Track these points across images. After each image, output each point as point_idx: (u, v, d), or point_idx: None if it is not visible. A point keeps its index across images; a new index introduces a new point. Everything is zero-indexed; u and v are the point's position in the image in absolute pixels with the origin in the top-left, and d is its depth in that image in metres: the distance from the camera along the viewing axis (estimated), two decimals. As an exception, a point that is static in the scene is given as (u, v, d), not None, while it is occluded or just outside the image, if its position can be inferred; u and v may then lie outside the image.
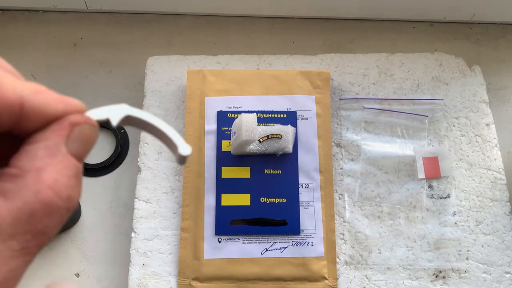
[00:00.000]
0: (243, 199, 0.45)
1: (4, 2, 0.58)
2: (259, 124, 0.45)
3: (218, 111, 0.49)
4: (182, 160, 0.20)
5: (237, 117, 0.46)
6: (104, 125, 0.19)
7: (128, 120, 0.20)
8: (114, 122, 0.19)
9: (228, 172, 0.46)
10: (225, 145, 0.47)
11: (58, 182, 0.15)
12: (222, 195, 0.45)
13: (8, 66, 0.17)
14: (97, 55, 0.57)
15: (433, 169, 0.48)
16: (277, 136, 0.45)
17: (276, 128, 0.45)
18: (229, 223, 0.45)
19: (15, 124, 0.15)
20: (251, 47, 0.57)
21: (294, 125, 0.47)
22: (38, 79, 0.55)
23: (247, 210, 0.45)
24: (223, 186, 0.46)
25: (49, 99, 0.16)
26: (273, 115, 0.48)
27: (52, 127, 0.15)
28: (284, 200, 0.45)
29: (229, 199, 0.45)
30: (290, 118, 0.48)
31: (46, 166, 0.15)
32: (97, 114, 0.19)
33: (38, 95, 0.15)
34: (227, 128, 0.48)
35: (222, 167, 0.46)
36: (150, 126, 0.20)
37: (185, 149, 0.19)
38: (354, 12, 0.59)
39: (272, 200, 0.45)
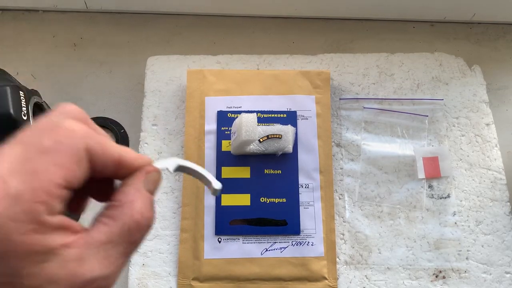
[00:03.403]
0: (243, 199, 0.45)
1: (4, 2, 0.58)
2: (259, 124, 0.45)
3: (218, 111, 0.49)
4: (214, 192, 0.29)
5: (237, 117, 0.46)
6: (165, 171, 0.28)
7: (179, 167, 0.29)
8: (171, 169, 0.28)
9: (228, 172, 0.46)
10: (225, 145, 0.47)
11: (143, 209, 0.23)
12: (222, 195, 0.45)
13: (94, 125, 0.24)
14: (97, 55, 0.57)
15: (433, 169, 0.48)
16: (277, 136, 0.45)
17: (276, 128, 0.45)
18: (229, 223, 0.45)
19: (113, 173, 0.24)
20: (251, 47, 0.57)
21: (294, 125, 0.47)
22: (38, 79, 0.56)
23: (247, 210, 0.45)
24: (223, 186, 0.46)
25: (133, 157, 0.25)
26: (273, 115, 0.48)
27: (135, 175, 0.25)
28: (284, 200, 0.45)
29: (229, 199, 0.45)
30: (290, 118, 0.48)
31: (135, 200, 0.23)
32: (160, 164, 0.27)
33: (128, 153, 0.24)
34: (227, 128, 0.48)
35: (222, 167, 0.46)
36: (192, 170, 0.29)
37: (217, 184, 0.29)
38: (354, 12, 0.59)
39: (272, 200, 0.45)
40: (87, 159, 0.22)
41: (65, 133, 0.22)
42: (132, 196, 0.24)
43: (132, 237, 0.23)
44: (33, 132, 0.23)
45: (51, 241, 0.20)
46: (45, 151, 0.21)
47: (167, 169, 0.28)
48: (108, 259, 0.22)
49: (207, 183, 0.29)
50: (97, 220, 0.23)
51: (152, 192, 0.25)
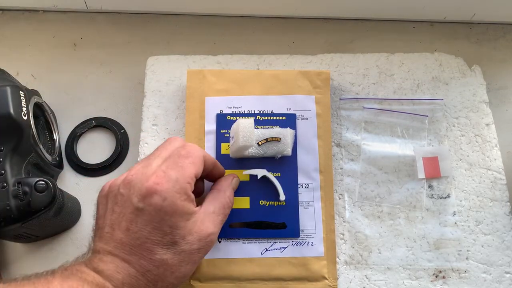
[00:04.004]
0: (242, 202, 0.45)
1: (4, 2, 0.59)
2: (258, 126, 0.45)
3: (217, 114, 0.48)
4: (280, 202, 0.45)
5: (235, 120, 0.46)
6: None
7: (264, 176, 0.45)
8: (259, 176, 0.44)
9: (228, 172, 0.46)
10: (224, 148, 0.47)
11: (230, 197, 0.40)
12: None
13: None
14: (97, 55, 0.57)
15: (433, 169, 0.48)
16: (276, 139, 0.45)
17: (275, 131, 0.45)
18: (229, 226, 0.45)
19: (210, 172, 0.40)
20: (251, 47, 0.57)
21: (293, 127, 0.47)
22: (38, 79, 0.56)
23: (247, 213, 0.45)
24: None
25: (220, 165, 0.42)
26: (272, 118, 0.48)
27: (228, 175, 0.42)
28: (283, 203, 0.45)
29: (229, 199, 0.45)
30: (289, 120, 0.48)
31: (227, 190, 0.40)
32: (252, 171, 0.45)
33: (217, 162, 0.41)
34: (226, 130, 0.48)
35: (222, 167, 0.46)
36: (271, 180, 0.45)
37: (282, 196, 0.44)
38: (354, 12, 0.59)
39: (271, 203, 0.45)
40: (203, 162, 0.37)
41: (191, 147, 0.37)
42: (225, 187, 0.40)
43: (225, 211, 0.39)
44: (171, 147, 0.37)
45: (192, 207, 0.35)
46: (184, 156, 0.36)
47: (256, 175, 0.44)
48: (214, 223, 0.37)
49: (277, 193, 0.45)
50: (207, 198, 0.39)
51: (234, 189, 0.42)
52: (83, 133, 0.53)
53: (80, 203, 0.49)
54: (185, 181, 0.35)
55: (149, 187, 0.33)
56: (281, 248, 0.45)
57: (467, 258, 0.45)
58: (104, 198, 0.36)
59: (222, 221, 0.38)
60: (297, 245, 0.45)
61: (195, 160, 0.36)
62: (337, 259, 0.45)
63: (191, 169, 0.36)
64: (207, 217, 0.36)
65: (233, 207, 0.43)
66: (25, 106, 0.43)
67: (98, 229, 0.35)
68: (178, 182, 0.34)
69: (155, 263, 0.33)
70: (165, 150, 0.37)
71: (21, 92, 0.44)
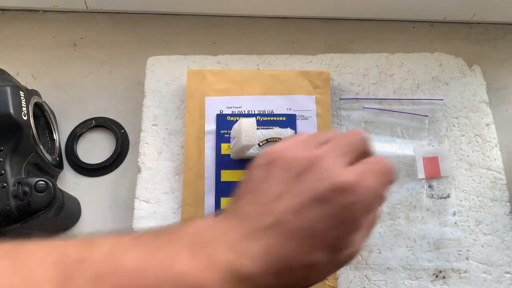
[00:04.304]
0: None
1: (4, 2, 0.58)
2: (258, 127, 0.45)
3: (217, 114, 0.48)
4: None
5: (235, 120, 0.46)
6: None
7: None
8: None
9: (228, 175, 0.46)
10: (224, 148, 0.47)
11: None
12: (221, 198, 0.45)
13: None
14: (97, 55, 0.57)
15: (433, 169, 0.48)
16: (276, 140, 0.45)
17: (275, 132, 0.45)
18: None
19: None
20: (251, 47, 0.57)
21: (293, 127, 0.47)
22: (38, 79, 0.56)
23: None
24: (223, 189, 0.46)
25: None
26: (272, 118, 0.48)
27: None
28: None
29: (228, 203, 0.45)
30: (289, 120, 0.48)
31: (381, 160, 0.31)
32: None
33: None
34: (226, 131, 0.48)
35: (222, 170, 0.46)
36: None
37: None
38: (354, 12, 0.59)
39: None
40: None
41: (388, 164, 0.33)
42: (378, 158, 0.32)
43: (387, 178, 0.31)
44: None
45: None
46: (383, 170, 0.31)
47: None
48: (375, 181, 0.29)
49: None
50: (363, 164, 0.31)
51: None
52: (83, 133, 0.53)
53: (80, 203, 0.49)
54: (378, 195, 0.29)
55: (346, 181, 0.27)
56: (281, 248, 0.45)
57: (467, 258, 0.45)
58: (276, 166, 0.30)
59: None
60: (297, 245, 0.45)
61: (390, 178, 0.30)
62: (337, 259, 0.45)
63: (385, 185, 0.30)
64: (369, 175, 0.30)
65: None
66: (25, 106, 0.43)
67: (250, 192, 0.29)
68: (375, 192, 0.28)
69: (309, 262, 0.26)
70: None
71: (21, 92, 0.44)
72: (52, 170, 0.48)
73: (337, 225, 0.27)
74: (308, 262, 0.26)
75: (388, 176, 0.30)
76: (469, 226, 0.46)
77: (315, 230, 0.26)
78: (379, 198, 0.29)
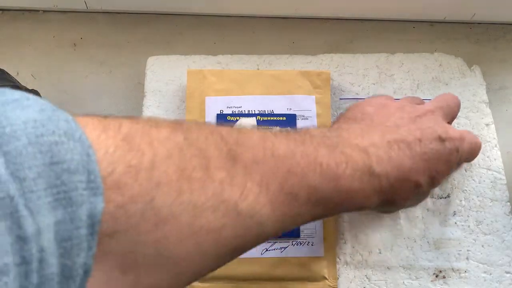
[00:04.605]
0: None
1: (4, 2, 0.58)
2: (258, 127, 0.45)
3: (217, 114, 0.48)
4: None
5: (236, 120, 0.46)
6: None
7: None
8: None
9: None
10: (225, 145, 0.47)
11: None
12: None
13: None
14: (97, 55, 0.57)
15: (433, 169, 0.48)
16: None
17: (276, 129, 0.45)
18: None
19: None
20: (251, 47, 0.57)
21: (294, 127, 0.47)
22: (38, 79, 0.56)
23: (247, 210, 0.45)
24: None
25: None
26: (272, 118, 0.48)
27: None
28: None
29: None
30: (289, 120, 0.48)
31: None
32: None
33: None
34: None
35: (222, 167, 0.46)
36: None
37: None
38: (354, 12, 0.59)
39: None
40: None
41: None
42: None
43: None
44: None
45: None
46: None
47: None
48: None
49: None
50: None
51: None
52: (83, 133, 0.53)
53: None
54: (467, 156, 0.37)
55: (457, 135, 0.35)
56: (281, 248, 0.45)
57: (467, 258, 0.45)
58: (390, 107, 0.37)
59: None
60: (297, 245, 0.45)
61: None
62: (337, 259, 0.45)
63: (473, 153, 0.38)
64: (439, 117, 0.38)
65: None
66: (25, 106, 0.43)
67: (368, 116, 0.35)
68: (468, 153, 0.37)
69: (417, 180, 0.32)
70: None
71: (21, 92, 0.44)
72: (52, 170, 0.48)
73: (442, 162, 0.33)
74: (416, 180, 0.32)
75: (478, 148, 0.37)
76: (469, 226, 0.46)
77: (429, 159, 0.32)
78: (466, 159, 0.37)
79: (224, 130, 0.27)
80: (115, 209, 0.20)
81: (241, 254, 0.27)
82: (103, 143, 0.21)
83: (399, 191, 0.32)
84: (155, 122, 0.24)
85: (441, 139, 0.33)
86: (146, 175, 0.21)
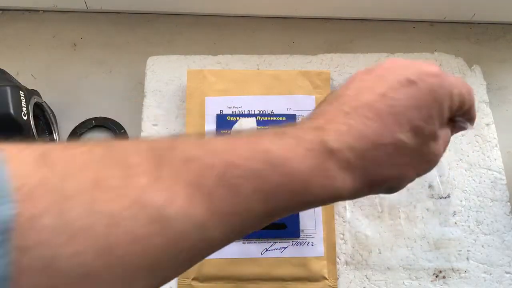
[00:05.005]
0: None
1: (4, 2, 0.58)
2: (258, 127, 0.45)
3: (217, 114, 0.48)
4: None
5: (236, 120, 0.46)
6: None
7: None
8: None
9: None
10: (225, 145, 0.47)
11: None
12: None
13: None
14: (97, 55, 0.57)
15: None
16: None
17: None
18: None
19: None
20: (251, 47, 0.57)
21: None
22: (38, 79, 0.56)
23: (247, 210, 0.45)
24: None
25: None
26: (272, 118, 0.48)
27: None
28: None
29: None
30: (289, 120, 0.48)
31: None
32: None
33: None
34: (226, 131, 0.48)
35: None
36: None
37: None
38: (354, 12, 0.59)
39: None
40: None
41: None
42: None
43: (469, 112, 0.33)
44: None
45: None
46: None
47: None
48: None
49: None
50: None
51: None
52: (83, 133, 0.53)
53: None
54: (458, 93, 0.30)
55: (434, 70, 0.29)
56: (281, 248, 0.45)
57: (467, 258, 0.45)
58: (365, 75, 0.31)
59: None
60: (297, 245, 0.45)
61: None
62: (337, 259, 0.45)
63: (465, 93, 0.31)
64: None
65: None
66: (25, 106, 0.43)
67: (333, 97, 0.29)
68: (457, 87, 0.30)
69: (394, 140, 0.27)
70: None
71: (21, 92, 0.44)
72: (52, 170, 0.48)
73: (420, 106, 0.27)
74: (392, 141, 0.27)
75: (469, 90, 0.31)
76: (469, 226, 0.46)
77: (398, 109, 0.27)
78: (461, 111, 0.31)
79: (158, 139, 0.26)
80: (26, 221, 0.19)
81: (194, 262, 0.25)
82: (18, 156, 0.21)
83: (377, 160, 0.27)
84: (81, 144, 0.24)
85: (410, 81, 0.28)
86: (58, 186, 0.20)
